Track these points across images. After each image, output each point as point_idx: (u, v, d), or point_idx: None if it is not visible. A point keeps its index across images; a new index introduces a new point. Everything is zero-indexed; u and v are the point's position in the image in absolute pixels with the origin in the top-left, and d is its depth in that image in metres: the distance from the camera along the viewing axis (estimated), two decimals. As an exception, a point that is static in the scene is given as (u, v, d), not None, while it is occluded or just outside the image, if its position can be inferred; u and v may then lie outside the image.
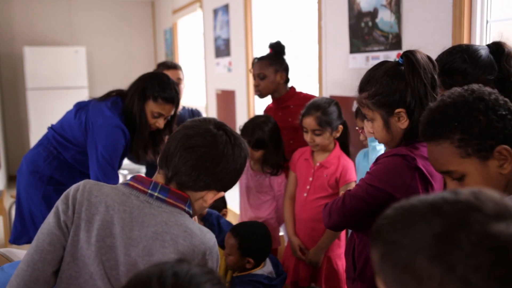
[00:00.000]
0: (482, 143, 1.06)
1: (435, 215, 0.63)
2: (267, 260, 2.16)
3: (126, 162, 2.63)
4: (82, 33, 7.28)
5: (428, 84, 1.39)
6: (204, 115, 3.78)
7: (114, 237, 1.18)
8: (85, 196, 1.21)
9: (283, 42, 2.90)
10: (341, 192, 1.55)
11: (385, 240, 0.66)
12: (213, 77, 5.23)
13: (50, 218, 1.21)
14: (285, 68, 2.86)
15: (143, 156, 2.44)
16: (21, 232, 2.42)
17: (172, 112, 2.38)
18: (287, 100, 2.85)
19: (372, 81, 1.44)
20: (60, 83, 6.61)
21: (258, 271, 2.10)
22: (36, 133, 6.02)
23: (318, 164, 2.43)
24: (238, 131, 2.37)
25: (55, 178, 2.38)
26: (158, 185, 1.24)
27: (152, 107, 2.30)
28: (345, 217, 1.48)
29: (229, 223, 2.23)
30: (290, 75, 2.94)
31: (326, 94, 3.16)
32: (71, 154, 2.38)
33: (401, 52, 1.45)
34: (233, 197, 3.14)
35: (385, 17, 2.61)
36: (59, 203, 1.22)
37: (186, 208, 1.25)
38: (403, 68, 1.41)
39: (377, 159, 1.50)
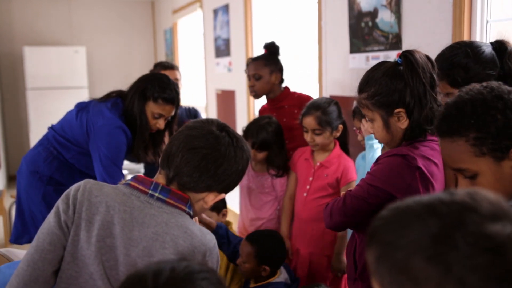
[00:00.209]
0: (497, 142, 1.03)
1: (431, 216, 0.62)
2: (281, 267, 2.18)
3: (125, 162, 2.63)
4: (82, 33, 7.28)
5: (427, 84, 1.39)
6: (202, 114, 3.77)
7: (114, 237, 1.18)
8: (85, 196, 1.21)
9: (278, 43, 2.90)
10: (342, 192, 1.55)
11: (380, 241, 0.65)
12: (213, 77, 5.23)
13: (51, 217, 1.21)
14: (280, 69, 2.86)
15: (143, 157, 2.44)
16: (22, 232, 2.42)
17: (173, 113, 2.37)
18: (281, 101, 2.85)
19: (371, 81, 1.44)
20: (60, 83, 6.61)
21: (277, 279, 2.12)
22: (36, 133, 6.02)
23: (318, 164, 2.44)
24: (240, 132, 2.37)
25: (55, 179, 2.38)
26: (159, 186, 1.24)
27: (152, 107, 2.30)
28: (346, 217, 1.48)
29: (236, 236, 2.25)
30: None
31: (326, 94, 3.16)
32: (71, 154, 2.38)
33: (401, 52, 1.45)
34: (233, 197, 3.14)
35: (385, 17, 2.61)
36: (60, 203, 1.22)
37: (187, 209, 1.25)
38: (402, 68, 1.41)
39: (378, 159, 1.50)
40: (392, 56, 2.55)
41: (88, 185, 1.23)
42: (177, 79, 3.28)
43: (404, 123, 1.42)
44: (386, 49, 2.62)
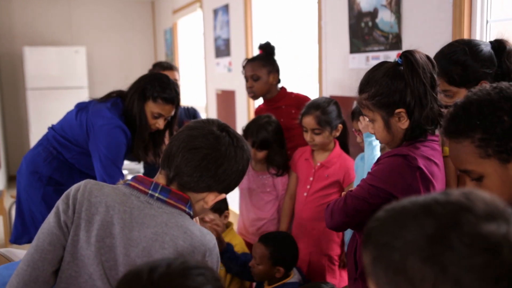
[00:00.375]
0: (503, 144, 1.01)
1: (426, 216, 0.62)
2: (294, 268, 2.20)
3: (125, 162, 2.63)
4: (82, 33, 7.28)
5: (427, 84, 1.39)
6: (202, 114, 3.77)
7: (113, 237, 1.18)
8: (85, 196, 1.21)
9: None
10: (343, 193, 1.56)
11: (376, 243, 0.65)
12: (213, 77, 5.22)
13: (51, 217, 1.21)
14: (277, 69, 2.86)
15: (143, 157, 2.44)
16: (22, 232, 2.42)
17: (172, 113, 2.37)
18: (278, 101, 2.85)
19: (371, 82, 1.44)
20: (60, 83, 6.61)
21: (291, 280, 2.13)
22: (36, 133, 6.02)
23: (318, 164, 2.44)
24: (240, 132, 2.37)
25: (55, 179, 2.38)
26: (158, 186, 1.24)
27: (152, 107, 2.29)
28: (347, 217, 1.48)
29: (245, 253, 2.28)
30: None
31: (326, 94, 3.16)
32: (71, 154, 2.38)
33: (401, 52, 1.45)
34: (232, 198, 3.14)
35: (385, 17, 2.61)
36: (60, 203, 1.22)
37: (187, 209, 1.25)
38: (402, 68, 1.41)
39: (378, 159, 1.51)
40: (392, 56, 2.55)
41: (88, 185, 1.23)
42: (176, 80, 3.28)
43: (404, 123, 1.42)
44: (386, 49, 2.62)
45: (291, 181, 2.59)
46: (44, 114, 6.29)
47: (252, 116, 4.19)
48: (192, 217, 1.28)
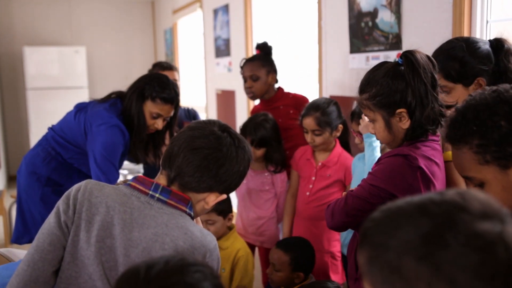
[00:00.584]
0: (501, 150, 0.98)
1: (421, 216, 0.62)
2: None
3: (125, 162, 2.63)
4: (82, 33, 7.27)
5: (428, 84, 1.39)
6: (202, 114, 3.77)
7: (114, 238, 1.17)
8: (86, 196, 1.21)
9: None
10: (344, 193, 1.56)
11: (371, 243, 0.65)
12: (213, 77, 5.22)
13: (51, 218, 1.21)
14: (275, 69, 2.86)
15: (142, 158, 2.43)
16: (23, 232, 2.42)
17: (172, 113, 2.36)
18: (276, 101, 2.85)
19: (372, 82, 1.44)
20: (60, 83, 6.61)
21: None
22: (36, 133, 6.02)
23: (320, 164, 2.46)
24: (238, 131, 2.37)
25: (53, 179, 2.37)
26: (159, 187, 1.24)
27: (150, 107, 2.28)
28: (348, 217, 1.48)
29: None
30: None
31: (326, 94, 3.16)
32: (70, 155, 2.38)
33: (401, 52, 1.45)
34: (232, 197, 3.14)
35: (385, 17, 2.61)
36: (60, 203, 1.22)
37: (188, 210, 1.25)
38: (402, 68, 1.41)
39: (379, 159, 1.51)
40: (392, 56, 2.55)
41: (88, 185, 1.23)
42: (175, 80, 3.28)
43: (405, 123, 1.42)
44: (386, 49, 2.62)
45: (293, 179, 2.61)
46: (44, 114, 6.29)
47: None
48: (192, 218, 1.28)
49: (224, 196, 1.31)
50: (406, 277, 0.60)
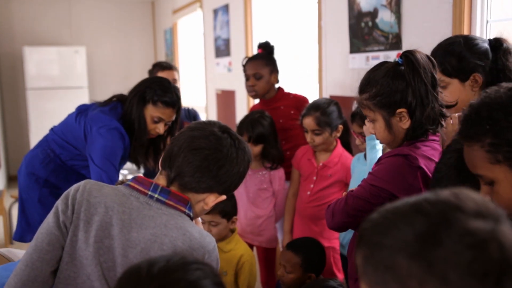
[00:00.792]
0: None
1: (416, 215, 0.63)
2: None
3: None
4: (82, 33, 7.27)
5: (428, 84, 1.39)
6: (202, 114, 3.77)
7: (112, 238, 1.17)
8: (84, 197, 1.20)
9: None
10: (344, 193, 1.56)
11: (367, 243, 0.65)
12: (213, 77, 5.22)
13: (50, 218, 1.20)
14: (277, 69, 2.86)
15: (143, 162, 2.42)
16: (27, 230, 2.41)
17: (173, 118, 2.32)
18: (277, 101, 2.85)
19: (372, 82, 1.44)
20: (60, 83, 6.61)
21: None
22: (36, 133, 6.02)
23: (321, 164, 2.46)
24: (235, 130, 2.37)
25: (51, 181, 2.36)
26: (158, 187, 1.24)
27: (151, 111, 2.25)
28: (348, 217, 1.48)
29: None
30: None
31: (326, 94, 3.16)
32: (70, 157, 2.38)
33: (401, 52, 1.45)
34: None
35: (385, 17, 2.61)
36: (59, 203, 1.22)
37: (187, 211, 1.25)
38: (403, 68, 1.41)
39: (379, 159, 1.51)
40: (392, 56, 2.55)
41: (88, 185, 1.23)
42: (175, 80, 3.28)
43: (406, 123, 1.42)
44: (386, 49, 2.62)
45: (294, 178, 2.62)
46: (44, 114, 6.30)
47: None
48: (192, 219, 1.28)
49: (224, 197, 1.31)
50: (399, 275, 0.60)
